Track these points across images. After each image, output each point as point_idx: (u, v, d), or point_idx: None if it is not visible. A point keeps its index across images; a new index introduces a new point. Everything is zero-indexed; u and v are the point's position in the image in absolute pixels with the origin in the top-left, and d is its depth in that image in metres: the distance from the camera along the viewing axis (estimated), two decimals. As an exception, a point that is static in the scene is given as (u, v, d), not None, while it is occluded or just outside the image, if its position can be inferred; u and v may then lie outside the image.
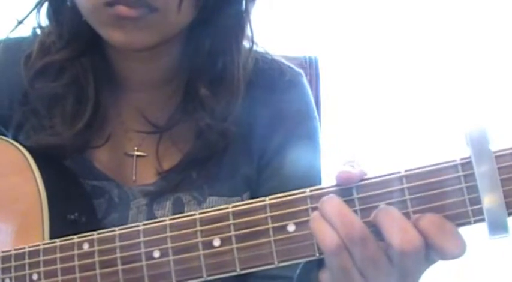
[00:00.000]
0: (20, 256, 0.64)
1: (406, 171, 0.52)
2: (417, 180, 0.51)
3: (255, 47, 0.81)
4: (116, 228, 0.60)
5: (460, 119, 1.57)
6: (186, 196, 0.80)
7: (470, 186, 0.50)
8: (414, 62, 1.78)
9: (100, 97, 0.80)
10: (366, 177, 0.53)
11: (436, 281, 0.79)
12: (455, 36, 1.73)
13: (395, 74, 1.80)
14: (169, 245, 0.57)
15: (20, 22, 0.79)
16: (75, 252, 0.61)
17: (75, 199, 0.77)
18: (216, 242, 0.56)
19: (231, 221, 0.56)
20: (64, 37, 0.76)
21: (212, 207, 0.58)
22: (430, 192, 0.51)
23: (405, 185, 0.51)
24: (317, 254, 0.54)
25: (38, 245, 0.63)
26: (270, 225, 0.55)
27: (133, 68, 0.79)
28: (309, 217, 0.53)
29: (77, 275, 0.61)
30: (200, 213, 0.57)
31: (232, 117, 0.77)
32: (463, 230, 0.51)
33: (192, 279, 0.57)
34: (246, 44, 0.80)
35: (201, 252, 0.56)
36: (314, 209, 0.53)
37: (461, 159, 0.51)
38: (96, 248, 0.60)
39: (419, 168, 0.52)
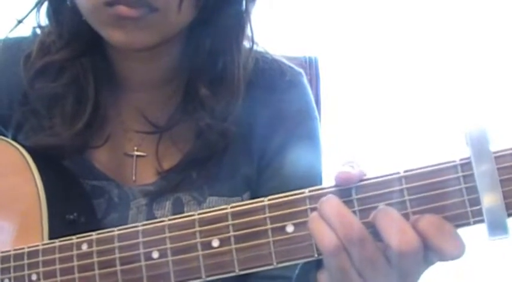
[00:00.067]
0: (19, 256, 0.64)
1: (405, 171, 0.52)
2: (416, 180, 0.51)
3: (255, 47, 0.81)
4: (115, 229, 0.60)
5: (460, 119, 1.57)
6: (185, 196, 0.80)
7: (469, 186, 0.50)
8: (414, 62, 1.78)
9: (100, 97, 0.80)
10: (365, 177, 0.53)
11: None
12: (455, 36, 1.73)
13: (395, 74, 1.80)
14: (168, 245, 0.57)
15: (19, 22, 0.79)
16: (74, 252, 0.61)
17: (74, 199, 0.77)
18: (215, 243, 0.56)
19: (230, 222, 0.56)
20: (64, 37, 0.76)
21: (212, 207, 0.57)
22: (429, 193, 0.51)
23: (404, 186, 0.51)
24: (316, 255, 0.53)
25: (37, 246, 0.63)
26: (269, 226, 0.54)
27: (133, 68, 0.79)
28: (308, 218, 0.53)
29: (76, 275, 0.61)
30: (199, 214, 0.57)
31: (232, 117, 0.77)
32: (462, 231, 0.50)
33: (191, 279, 0.56)
34: (246, 44, 0.79)
35: (200, 252, 0.56)
36: (313, 209, 0.53)
37: (461, 159, 0.50)
38: (95, 248, 0.60)
39: (418, 168, 0.51)
